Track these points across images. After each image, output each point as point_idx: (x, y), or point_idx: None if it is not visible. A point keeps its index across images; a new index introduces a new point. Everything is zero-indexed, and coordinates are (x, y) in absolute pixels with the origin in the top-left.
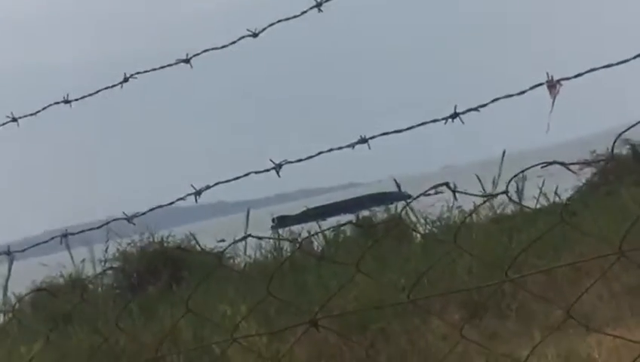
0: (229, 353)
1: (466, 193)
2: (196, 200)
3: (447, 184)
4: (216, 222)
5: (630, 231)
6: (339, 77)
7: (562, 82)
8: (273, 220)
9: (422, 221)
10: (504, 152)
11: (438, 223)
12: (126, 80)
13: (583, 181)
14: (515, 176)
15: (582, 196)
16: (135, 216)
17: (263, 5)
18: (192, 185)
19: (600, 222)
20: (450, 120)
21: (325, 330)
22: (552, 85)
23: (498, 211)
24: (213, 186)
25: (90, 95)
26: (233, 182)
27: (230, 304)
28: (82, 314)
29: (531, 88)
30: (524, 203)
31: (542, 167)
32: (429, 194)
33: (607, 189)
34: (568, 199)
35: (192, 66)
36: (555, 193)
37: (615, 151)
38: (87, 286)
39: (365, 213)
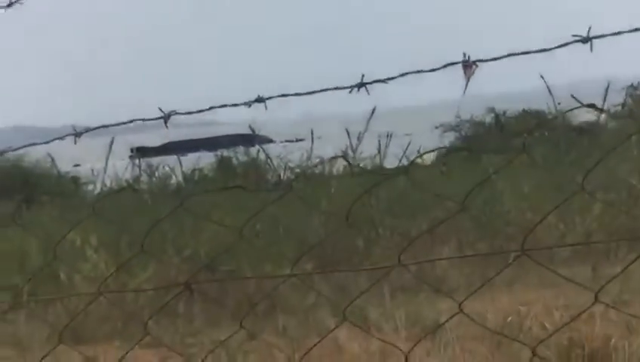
0: (75, 280)
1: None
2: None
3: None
4: (71, 144)
5: None
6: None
7: (478, 63)
8: (132, 150)
9: (282, 166)
10: (374, 109)
11: (297, 171)
12: None
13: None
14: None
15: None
16: None
17: None
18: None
19: (457, 187)
20: (356, 89)
21: (175, 266)
22: (468, 65)
23: (361, 165)
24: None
25: None
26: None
27: (81, 232)
28: None
29: (444, 67)
30: (387, 160)
31: None
32: (290, 141)
33: (469, 154)
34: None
35: None
36: (418, 152)
37: (479, 118)
38: None
39: (226, 152)
